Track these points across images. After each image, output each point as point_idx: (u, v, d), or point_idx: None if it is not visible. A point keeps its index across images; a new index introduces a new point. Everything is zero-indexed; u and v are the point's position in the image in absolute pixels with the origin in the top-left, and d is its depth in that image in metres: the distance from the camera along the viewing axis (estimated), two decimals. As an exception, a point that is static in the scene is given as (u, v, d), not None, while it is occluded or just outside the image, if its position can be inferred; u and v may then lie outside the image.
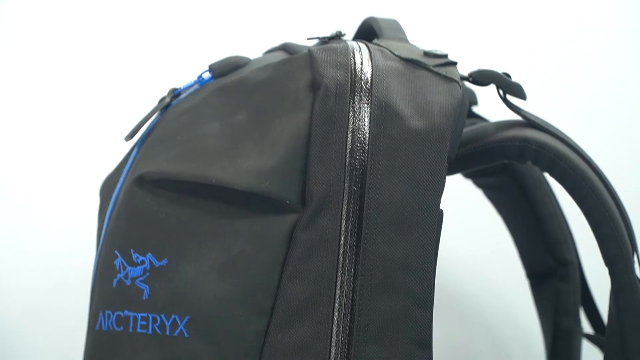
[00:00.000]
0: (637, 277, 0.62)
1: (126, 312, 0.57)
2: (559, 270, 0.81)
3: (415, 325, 0.54)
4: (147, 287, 0.56)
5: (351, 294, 0.53)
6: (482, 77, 0.64)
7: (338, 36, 0.65)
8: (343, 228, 0.54)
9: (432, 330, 0.55)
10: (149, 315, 0.56)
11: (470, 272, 0.98)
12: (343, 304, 0.53)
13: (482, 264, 0.98)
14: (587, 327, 0.83)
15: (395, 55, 0.60)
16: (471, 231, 0.97)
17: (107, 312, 0.58)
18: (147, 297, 0.56)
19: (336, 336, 0.53)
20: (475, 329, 0.98)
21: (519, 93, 0.63)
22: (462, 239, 0.96)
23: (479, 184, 0.82)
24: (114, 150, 0.73)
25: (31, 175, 0.93)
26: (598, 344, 0.81)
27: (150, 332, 0.56)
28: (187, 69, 0.75)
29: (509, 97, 0.64)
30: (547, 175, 0.65)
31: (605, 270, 0.62)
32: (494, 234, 0.89)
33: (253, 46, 0.77)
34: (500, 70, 0.64)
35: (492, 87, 0.64)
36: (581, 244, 0.81)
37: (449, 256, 0.96)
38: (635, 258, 0.63)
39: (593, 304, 0.82)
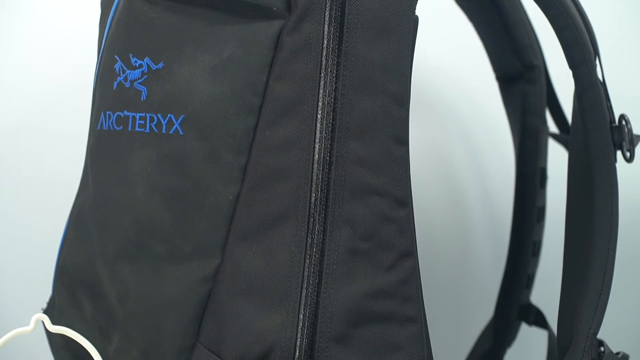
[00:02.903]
0: (599, 79, 0.66)
1: (125, 112, 0.61)
2: (525, 74, 0.85)
3: (393, 123, 0.58)
4: (145, 89, 0.60)
5: (333, 94, 0.57)
6: None
7: None
8: (326, 32, 0.57)
9: (408, 128, 0.59)
10: (147, 115, 0.60)
11: (445, 76, 1.02)
12: (326, 103, 0.57)
13: (455, 68, 1.01)
14: (553, 127, 0.88)
15: None
16: (445, 39, 0.99)
17: (107, 112, 0.62)
18: (144, 98, 0.60)
19: (320, 133, 0.57)
20: (450, 130, 1.02)
21: None
22: (438, 46, 0.99)
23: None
24: None
25: None
26: (563, 143, 0.85)
27: (147, 130, 0.60)
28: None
29: None
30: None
31: (569, 73, 0.66)
32: (465, 42, 0.92)
33: None
34: None
35: None
36: (547, 49, 0.85)
37: (426, 60, 0.99)
38: (597, 62, 0.67)
39: (558, 105, 0.87)
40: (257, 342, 0.57)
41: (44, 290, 0.73)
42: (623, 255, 0.66)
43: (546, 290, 0.87)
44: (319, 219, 0.57)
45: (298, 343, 0.56)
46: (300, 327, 0.57)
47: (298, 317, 0.57)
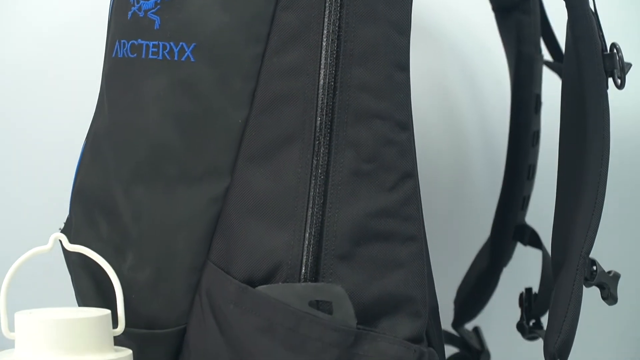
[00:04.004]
0: (591, 9, 0.67)
1: (139, 40, 0.63)
2: (520, 4, 0.87)
3: (395, 50, 0.60)
4: (158, 18, 0.62)
5: (338, 22, 0.59)
6: None
7: None
8: None
9: (409, 55, 0.61)
10: (160, 43, 0.62)
11: (443, 6, 1.03)
12: (331, 31, 0.59)
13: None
14: (547, 56, 0.90)
15: None
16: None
17: (122, 41, 0.64)
18: (157, 27, 0.62)
19: (325, 60, 0.59)
20: (449, 60, 1.03)
21: None
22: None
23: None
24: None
25: None
26: (556, 70, 0.87)
27: (160, 57, 0.62)
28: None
29: None
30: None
31: (563, 3, 0.67)
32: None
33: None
34: None
35: None
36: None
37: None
38: None
39: (552, 34, 0.89)
40: (265, 259, 0.60)
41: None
42: (612, 177, 0.68)
43: (540, 211, 0.89)
44: (324, 142, 0.59)
45: (304, 260, 0.59)
46: (306, 245, 0.59)
47: (304, 235, 0.59)
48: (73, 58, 0.97)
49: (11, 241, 0.94)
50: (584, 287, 0.65)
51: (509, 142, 0.92)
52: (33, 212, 0.96)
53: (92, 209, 0.67)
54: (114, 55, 0.65)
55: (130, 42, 0.63)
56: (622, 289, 0.70)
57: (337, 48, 0.59)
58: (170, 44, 0.61)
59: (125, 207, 0.64)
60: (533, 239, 0.90)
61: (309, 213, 0.59)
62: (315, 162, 0.59)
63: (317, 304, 0.59)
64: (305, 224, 0.59)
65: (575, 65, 0.69)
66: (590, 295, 0.69)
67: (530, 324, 0.87)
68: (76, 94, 0.91)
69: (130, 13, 0.64)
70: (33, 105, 0.97)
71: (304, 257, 0.59)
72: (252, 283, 0.60)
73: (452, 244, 0.98)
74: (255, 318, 0.60)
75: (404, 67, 0.61)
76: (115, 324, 0.61)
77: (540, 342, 0.67)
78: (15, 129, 0.97)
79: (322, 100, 0.59)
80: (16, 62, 0.98)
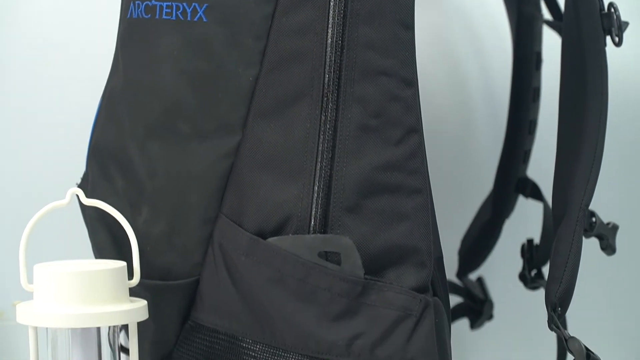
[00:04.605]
0: None
1: (153, 1, 0.64)
2: None
3: (400, 9, 0.61)
4: None
5: None
6: None
7: None
8: None
9: (414, 14, 0.62)
10: (173, 3, 0.63)
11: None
12: None
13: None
14: (547, 15, 0.91)
15: None
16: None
17: (137, 2, 0.65)
18: None
19: (332, 19, 0.60)
20: (453, 18, 1.03)
21: None
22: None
23: None
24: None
25: None
26: (556, 29, 0.88)
27: (173, 18, 0.63)
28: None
29: None
30: None
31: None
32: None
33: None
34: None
35: None
36: None
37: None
38: None
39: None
40: (275, 212, 0.62)
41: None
42: (611, 132, 0.70)
43: (541, 165, 0.90)
44: (331, 98, 0.61)
45: (313, 213, 0.61)
46: (315, 198, 0.61)
47: (313, 189, 0.61)
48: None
49: (30, 196, 0.96)
50: (583, 238, 0.66)
51: (511, 98, 0.92)
52: (50, 167, 0.97)
53: (108, 165, 0.69)
54: (128, 16, 0.66)
55: (144, 3, 0.64)
56: (620, 240, 0.72)
57: (344, 8, 0.60)
58: (183, 5, 0.62)
59: (140, 163, 0.66)
60: (534, 192, 0.91)
61: (318, 167, 0.61)
62: (323, 117, 0.61)
63: (325, 255, 0.61)
64: (314, 177, 0.61)
65: (574, 24, 0.70)
66: (590, 246, 0.71)
67: (532, 274, 0.88)
68: (94, 56, 0.91)
69: None
70: (54, 65, 0.98)
71: (313, 209, 0.61)
72: (263, 235, 0.62)
73: (456, 197, 0.99)
74: (266, 269, 0.61)
75: (409, 26, 0.62)
76: (130, 275, 0.62)
77: (541, 292, 0.68)
78: (34, 87, 0.98)
79: (330, 58, 0.60)
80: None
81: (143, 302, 0.61)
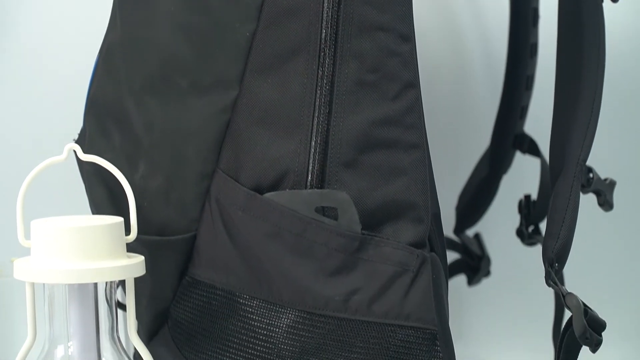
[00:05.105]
0: None
1: None
2: None
3: None
4: None
5: None
6: None
7: None
8: None
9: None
10: None
11: None
12: None
13: None
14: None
15: None
16: None
17: None
18: None
19: None
20: None
21: None
22: None
23: None
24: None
25: None
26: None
27: None
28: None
29: None
30: None
31: None
32: None
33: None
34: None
35: None
36: None
37: None
38: None
39: None
40: (272, 167, 0.62)
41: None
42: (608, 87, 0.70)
43: (539, 120, 0.90)
44: (329, 53, 0.60)
45: (310, 168, 0.61)
46: (312, 153, 0.61)
47: (310, 144, 0.61)
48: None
49: (27, 152, 0.96)
50: (581, 194, 0.66)
51: (508, 54, 0.92)
52: (48, 123, 0.97)
53: (105, 120, 0.69)
54: None
55: None
56: (617, 196, 0.72)
57: None
58: None
59: (137, 118, 0.66)
60: (532, 147, 0.91)
61: (315, 122, 0.61)
62: (320, 72, 0.61)
63: (322, 210, 0.61)
64: (311, 132, 0.61)
65: None
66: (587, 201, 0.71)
67: (529, 230, 0.88)
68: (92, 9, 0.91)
69: None
70: (49, 22, 0.98)
71: (310, 164, 0.61)
72: (260, 190, 0.62)
73: (453, 152, 0.99)
74: (263, 224, 0.62)
75: None
76: (127, 231, 0.61)
77: (539, 248, 0.69)
78: (30, 43, 0.98)
79: (327, 13, 0.60)
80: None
81: (140, 258, 0.61)
